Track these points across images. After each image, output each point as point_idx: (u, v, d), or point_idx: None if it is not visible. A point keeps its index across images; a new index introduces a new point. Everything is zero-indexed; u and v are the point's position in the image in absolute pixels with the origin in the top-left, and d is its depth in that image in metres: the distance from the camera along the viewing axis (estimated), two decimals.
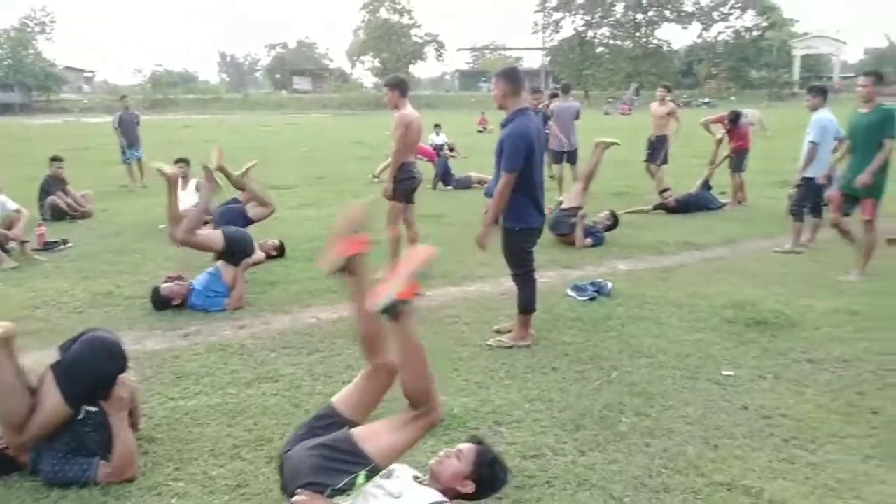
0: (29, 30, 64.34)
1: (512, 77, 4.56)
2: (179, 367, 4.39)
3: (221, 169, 6.77)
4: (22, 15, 70.17)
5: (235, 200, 6.97)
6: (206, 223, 6.66)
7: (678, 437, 3.43)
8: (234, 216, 6.54)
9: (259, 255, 6.13)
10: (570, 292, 5.79)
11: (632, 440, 3.41)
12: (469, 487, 2.66)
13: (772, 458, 3.24)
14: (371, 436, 2.61)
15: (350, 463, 2.51)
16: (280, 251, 7.11)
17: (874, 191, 6.23)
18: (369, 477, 2.52)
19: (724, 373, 4.22)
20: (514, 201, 4.52)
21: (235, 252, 5.65)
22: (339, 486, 2.47)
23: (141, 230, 8.69)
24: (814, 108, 7.41)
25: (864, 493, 2.96)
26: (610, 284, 5.90)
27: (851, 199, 6.42)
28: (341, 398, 2.86)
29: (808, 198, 7.53)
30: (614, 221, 8.16)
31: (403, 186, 6.17)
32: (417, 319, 2.69)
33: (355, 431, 2.63)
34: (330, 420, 2.76)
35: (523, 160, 4.41)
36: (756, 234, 8.32)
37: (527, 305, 4.72)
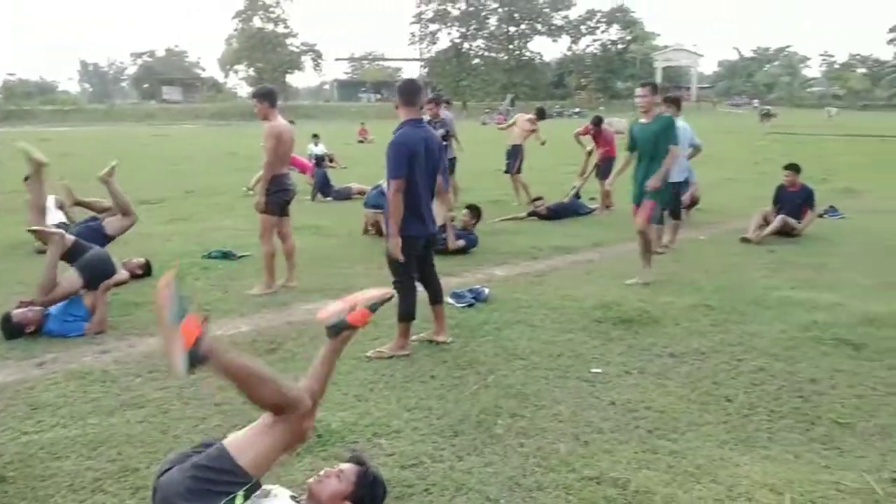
0: None
1: (402, 89, 4.70)
2: (34, 398, 4.07)
3: (80, 203, 6.38)
4: None
5: (93, 219, 6.59)
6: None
7: (551, 436, 3.55)
8: (93, 235, 6.13)
9: (123, 274, 5.80)
10: (448, 299, 5.86)
11: (507, 442, 3.49)
12: None
13: (637, 450, 3.41)
14: (245, 446, 2.47)
15: (227, 483, 2.38)
16: (146, 270, 6.75)
17: (659, 194, 6.40)
18: (248, 495, 2.42)
19: (593, 370, 4.41)
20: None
21: (94, 278, 5.32)
22: None
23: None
24: None
25: (719, 477, 3.16)
26: (487, 290, 6.04)
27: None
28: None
29: (668, 201, 8.00)
30: (477, 215, 8.36)
31: (276, 199, 6.15)
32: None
33: (228, 443, 2.49)
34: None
35: (406, 167, 4.47)
36: (622, 237, 8.75)
37: (406, 313, 4.74)
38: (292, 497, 2.63)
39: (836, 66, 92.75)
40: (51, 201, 8.05)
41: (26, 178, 7.56)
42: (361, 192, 12.50)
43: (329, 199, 12.76)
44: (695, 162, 9.30)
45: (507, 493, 3.03)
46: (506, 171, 11.86)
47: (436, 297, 4.99)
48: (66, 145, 27.80)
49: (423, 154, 4.55)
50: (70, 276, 5.34)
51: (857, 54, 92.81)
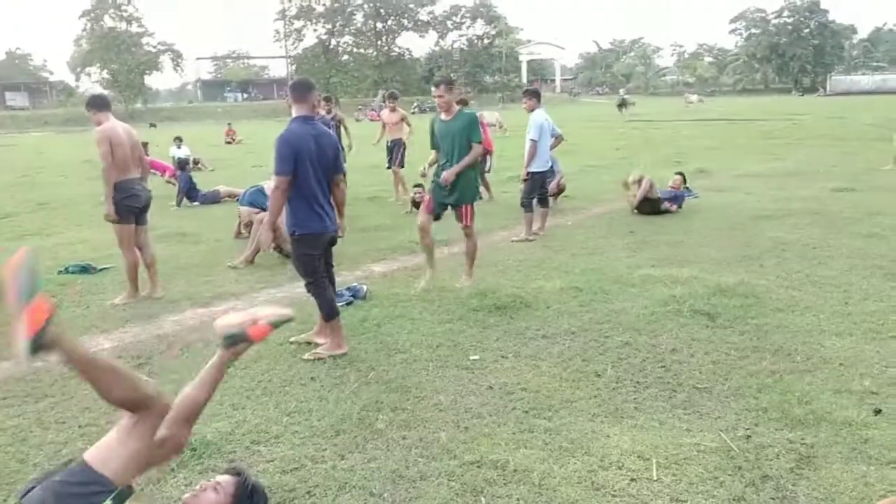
0: None
1: (294, 86, 4.70)
2: None
3: None
4: None
5: None
6: None
7: (432, 426, 3.60)
8: None
9: None
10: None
11: (389, 435, 3.51)
12: None
13: (514, 430, 3.53)
14: (107, 456, 2.31)
15: (91, 494, 2.22)
16: None
17: (469, 196, 6.11)
18: (120, 500, 2.27)
19: (472, 358, 4.51)
20: (293, 207, 4.58)
21: None
22: None
23: None
24: (531, 110, 8.21)
25: (592, 449, 3.33)
26: (365, 287, 6.02)
27: (441, 205, 6.20)
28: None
29: (535, 190, 8.31)
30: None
31: (126, 206, 5.92)
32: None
33: (88, 457, 2.32)
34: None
35: (291, 165, 4.43)
36: (495, 226, 9.00)
37: (328, 312, 4.66)
38: None
39: (686, 56, 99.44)
40: None
41: None
42: (231, 195, 12.11)
43: (196, 203, 12.26)
44: (558, 151, 9.69)
45: (390, 486, 3.05)
46: (388, 167, 11.85)
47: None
48: None
49: (313, 150, 4.48)
50: None
51: (704, 44, 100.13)
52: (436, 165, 6.35)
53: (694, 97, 51.64)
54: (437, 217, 6.26)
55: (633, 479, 3.06)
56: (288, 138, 4.49)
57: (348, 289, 5.97)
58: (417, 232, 6.34)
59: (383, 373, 4.32)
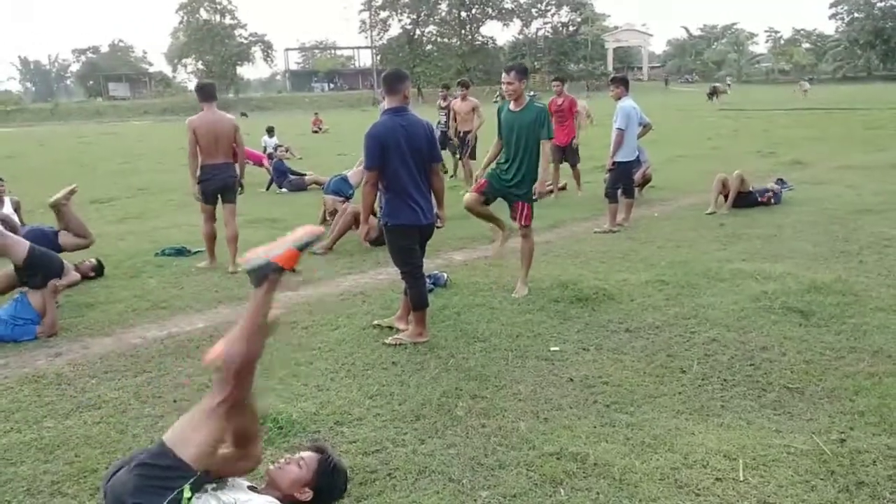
0: None
1: (386, 77, 4.69)
2: None
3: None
4: None
5: (52, 230, 6.50)
6: None
7: (511, 415, 3.60)
8: (43, 239, 5.99)
9: (74, 276, 5.67)
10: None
11: (468, 423, 3.52)
12: (307, 495, 2.65)
13: (595, 424, 3.48)
14: (183, 439, 2.40)
15: (172, 478, 2.34)
16: (98, 271, 6.61)
17: (528, 193, 5.62)
18: (195, 488, 2.38)
19: (552, 349, 4.47)
20: (386, 199, 4.66)
21: (36, 272, 5.19)
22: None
23: None
24: (618, 98, 8.03)
25: (676, 446, 3.25)
26: (446, 275, 6.06)
27: (498, 192, 5.73)
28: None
29: (620, 180, 8.15)
30: None
31: (205, 188, 6.66)
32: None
33: (168, 438, 2.42)
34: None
35: (379, 158, 4.47)
36: (578, 217, 8.87)
37: (418, 302, 4.70)
38: (250, 487, 2.62)
39: (782, 42, 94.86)
40: (7, 201, 7.82)
41: None
42: (317, 183, 12.41)
43: (283, 190, 12.63)
44: (646, 140, 9.46)
45: (469, 472, 3.07)
46: (458, 157, 11.88)
47: None
48: (10, 146, 26.98)
49: (402, 142, 4.49)
50: (21, 242, 5.25)
51: (802, 29, 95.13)
52: (494, 163, 5.84)
53: (807, 84, 47.15)
54: (486, 202, 5.80)
55: (718, 479, 2.97)
56: (375, 133, 4.50)
57: (429, 276, 6.00)
58: (468, 210, 5.90)
59: (463, 360, 4.34)
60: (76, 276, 5.77)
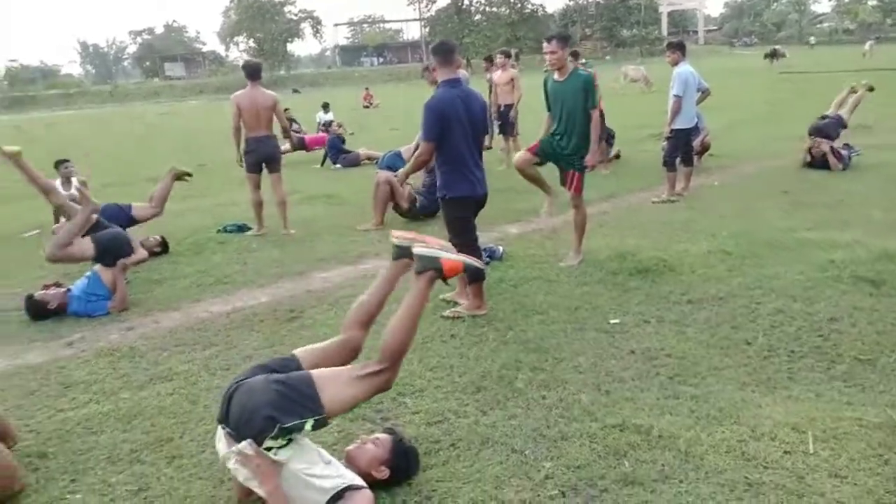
0: None
1: (437, 49, 4.66)
2: (66, 376, 4.17)
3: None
4: None
5: (128, 206, 6.83)
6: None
7: (572, 387, 3.60)
8: (118, 214, 6.31)
9: (142, 253, 5.87)
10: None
11: (529, 395, 3.54)
12: (384, 473, 2.76)
13: (658, 396, 3.45)
14: (329, 383, 2.58)
15: (303, 407, 2.49)
16: (163, 247, 6.84)
17: (581, 165, 5.53)
18: (316, 426, 2.52)
19: (612, 321, 4.44)
20: (443, 171, 4.66)
21: (107, 253, 5.40)
22: (288, 425, 2.45)
23: (4, 239, 8.12)
24: (674, 63, 7.81)
25: (742, 418, 3.20)
26: (501, 248, 6.05)
27: (551, 156, 5.62)
28: (304, 352, 2.84)
29: (679, 148, 7.96)
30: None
31: (249, 158, 7.26)
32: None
33: (315, 374, 2.61)
34: (290, 367, 2.73)
35: (437, 132, 4.48)
36: (635, 187, 8.72)
37: (473, 274, 4.70)
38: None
39: (846, 0, 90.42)
40: (76, 183, 8.12)
41: (59, 163, 7.76)
42: (370, 158, 12.48)
43: (337, 166, 12.74)
44: (704, 107, 9.19)
45: (531, 444, 3.09)
46: (499, 132, 11.15)
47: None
48: (74, 128, 27.89)
49: (462, 114, 4.49)
50: (83, 243, 5.47)
51: None
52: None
53: (868, 45, 44.02)
54: (539, 163, 5.65)
55: (787, 452, 2.92)
56: (434, 106, 4.49)
57: (485, 249, 5.99)
58: (517, 171, 5.76)
59: (521, 333, 4.34)
60: (144, 253, 5.97)
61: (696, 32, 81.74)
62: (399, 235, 3.02)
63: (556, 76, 5.47)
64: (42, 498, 2.96)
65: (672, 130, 7.86)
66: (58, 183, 8.26)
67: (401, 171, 5.17)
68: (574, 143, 5.45)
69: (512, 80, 10.73)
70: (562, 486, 2.79)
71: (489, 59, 11.75)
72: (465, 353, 4.09)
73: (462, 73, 10.28)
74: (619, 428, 3.17)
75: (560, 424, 3.24)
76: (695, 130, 8.55)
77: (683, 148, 8.05)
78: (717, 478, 2.77)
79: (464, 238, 4.71)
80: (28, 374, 4.26)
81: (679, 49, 7.93)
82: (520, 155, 5.80)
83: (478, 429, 3.23)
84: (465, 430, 3.23)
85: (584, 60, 13.52)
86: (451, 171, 4.60)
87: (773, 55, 39.11)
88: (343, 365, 2.80)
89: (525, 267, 5.65)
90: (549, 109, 5.65)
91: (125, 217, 6.56)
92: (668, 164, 7.95)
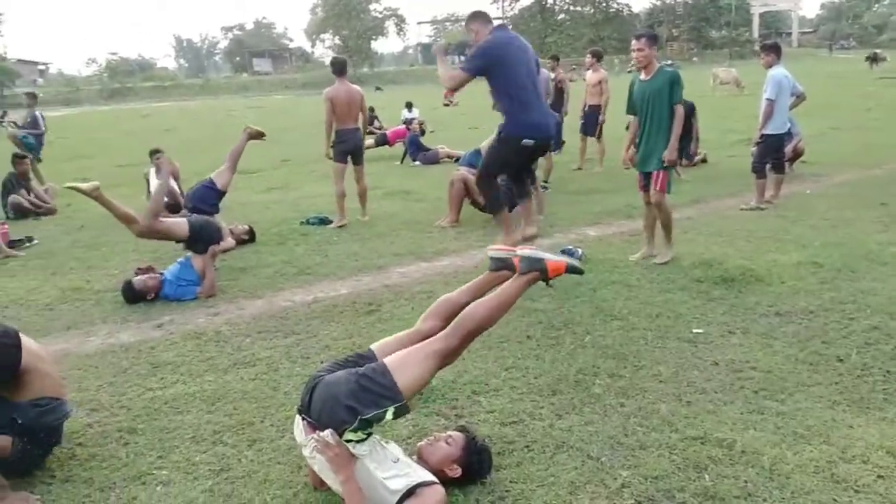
0: None
1: (475, 16, 4.93)
2: (156, 357, 4.37)
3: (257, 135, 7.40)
4: None
5: (209, 180, 6.94)
6: (176, 212, 6.78)
7: (651, 396, 3.51)
8: (207, 193, 6.56)
9: (230, 241, 6.09)
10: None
11: (607, 401, 3.48)
12: (456, 472, 2.75)
13: (742, 410, 3.33)
14: (401, 366, 2.63)
15: (382, 396, 2.55)
16: (251, 236, 7.08)
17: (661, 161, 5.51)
18: (397, 414, 2.57)
19: (694, 330, 4.31)
20: (506, 107, 4.76)
21: (199, 239, 5.61)
22: (368, 416, 2.51)
23: (105, 224, 8.51)
24: (769, 66, 7.52)
25: (832, 438, 3.05)
26: (580, 250, 5.96)
27: (648, 175, 5.65)
28: (380, 346, 2.90)
29: (769, 154, 7.67)
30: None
31: (338, 149, 7.59)
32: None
33: (388, 361, 2.66)
34: (367, 361, 2.79)
35: (481, 68, 4.63)
36: (722, 192, 8.45)
37: (492, 205, 5.01)
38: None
39: None
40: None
41: (152, 153, 8.24)
42: (449, 156, 12.54)
43: (417, 163, 12.86)
44: (798, 111, 8.83)
45: (608, 451, 3.04)
46: (582, 133, 11.09)
47: (522, 195, 5.04)
48: (167, 119, 29.15)
49: (516, 54, 4.58)
50: (179, 222, 5.70)
51: None
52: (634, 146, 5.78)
53: None
54: (647, 188, 5.73)
55: (881, 476, 2.77)
56: (490, 42, 4.63)
57: (563, 251, 5.94)
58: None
59: (599, 338, 4.27)
60: (232, 242, 6.19)
61: (789, 34, 78.43)
62: (497, 248, 3.10)
63: (642, 76, 5.51)
64: (131, 471, 3.11)
65: (763, 135, 7.58)
66: (151, 171, 8.70)
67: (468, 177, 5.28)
68: (658, 141, 5.44)
69: (601, 81, 10.66)
70: (638, 496, 2.73)
71: (555, 58, 11.56)
72: (542, 355, 4.06)
73: (544, 72, 10.31)
74: (700, 440, 3.08)
75: (638, 433, 3.17)
76: (787, 136, 8.22)
77: (774, 154, 7.75)
78: (803, 499, 2.66)
79: (488, 175, 4.70)
80: (120, 352, 4.48)
81: (774, 51, 7.64)
82: (642, 196, 5.83)
83: (553, 432, 3.20)
84: (540, 432, 3.21)
85: (669, 61, 13.22)
86: (512, 108, 4.61)
87: (874, 59, 37.14)
88: None
89: (604, 270, 5.56)
90: (633, 112, 5.66)
91: (215, 193, 6.79)
92: (758, 170, 7.67)
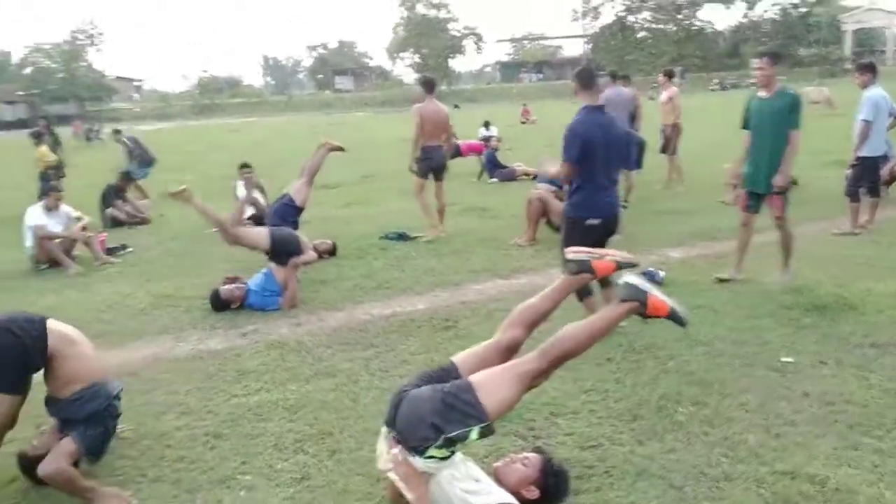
0: (79, 42, 66.55)
1: (579, 75, 4.73)
2: (241, 364, 4.52)
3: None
4: (72, 28, 72.36)
5: (283, 196, 7.00)
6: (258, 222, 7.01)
7: (738, 426, 3.39)
8: (286, 210, 6.69)
9: (312, 255, 6.24)
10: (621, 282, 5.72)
11: (690, 429, 3.38)
12: (534, 493, 2.73)
13: (836, 446, 3.18)
14: (487, 386, 2.56)
15: (467, 415, 2.50)
16: (333, 251, 7.25)
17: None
18: (482, 434, 2.53)
19: (783, 359, 4.14)
20: (575, 190, 4.67)
21: (281, 252, 5.77)
22: (453, 434, 2.48)
23: (196, 234, 8.92)
24: (864, 86, 7.20)
25: None
26: (662, 273, 5.84)
27: (755, 195, 5.65)
28: (462, 359, 2.85)
29: (864, 178, 7.34)
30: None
31: (422, 165, 7.85)
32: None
33: (474, 379, 2.59)
34: (451, 375, 2.76)
35: (577, 152, 4.50)
36: (813, 216, 8.09)
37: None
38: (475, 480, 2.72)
39: None
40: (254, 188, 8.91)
41: (242, 167, 8.62)
42: (526, 174, 12.51)
43: (494, 180, 12.88)
44: None
45: (692, 481, 2.95)
46: (661, 151, 10.93)
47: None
48: (254, 134, 30.21)
49: (600, 142, 4.50)
50: (260, 231, 5.91)
51: None
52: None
53: None
54: (755, 210, 5.72)
55: None
56: (574, 128, 4.53)
57: (644, 273, 5.81)
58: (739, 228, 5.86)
59: (683, 364, 4.16)
60: (314, 255, 6.34)
61: (883, 52, 74.85)
62: (575, 250, 2.98)
63: (762, 93, 5.53)
64: (217, 475, 3.22)
65: (858, 158, 7.25)
66: (240, 185, 9.04)
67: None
68: (774, 163, 5.43)
69: (671, 98, 10.60)
70: None
71: (626, 78, 11.31)
72: (622, 379, 3.98)
73: (625, 90, 10.15)
74: (791, 475, 2.95)
75: (723, 464, 3.07)
76: (883, 159, 7.82)
77: (870, 177, 7.40)
78: None
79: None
80: (208, 358, 4.65)
81: (870, 70, 7.32)
82: (741, 217, 5.80)
83: (633, 458, 3.14)
84: (620, 458, 3.14)
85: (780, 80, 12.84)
86: (581, 193, 4.59)
87: None
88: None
89: (688, 294, 5.40)
90: (744, 127, 5.68)
91: (294, 210, 6.79)
92: (852, 193, 7.33)
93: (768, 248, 6.24)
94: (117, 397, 3.36)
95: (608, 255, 2.93)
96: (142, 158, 13.17)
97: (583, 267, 2.91)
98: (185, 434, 3.61)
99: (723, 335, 4.56)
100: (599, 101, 4.69)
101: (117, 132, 14.84)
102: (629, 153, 4.80)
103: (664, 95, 10.75)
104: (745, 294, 5.35)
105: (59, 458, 3.02)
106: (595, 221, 4.59)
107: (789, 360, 4.14)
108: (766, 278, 5.66)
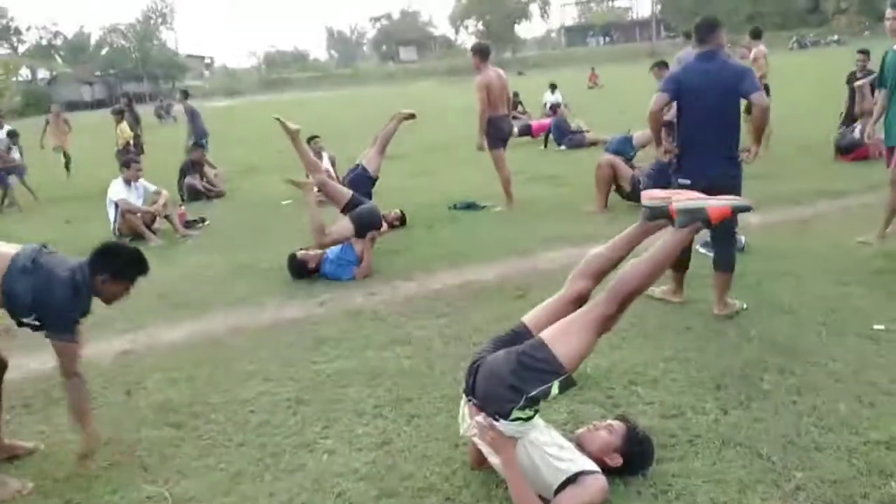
0: (152, 22, 68.55)
1: (697, 28, 4.50)
2: (319, 332, 4.61)
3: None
4: (144, 8, 74.52)
5: (356, 167, 6.92)
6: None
7: (827, 395, 3.27)
8: (361, 181, 6.59)
9: (383, 226, 6.30)
10: (700, 249, 5.53)
11: (777, 398, 3.27)
12: (617, 461, 2.70)
13: None
14: (560, 339, 2.54)
15: (546, 372, 2.48)
16: (402, 221, 7.30)
17: None
18: (563, 388, 2.52)
19: (876, 327, 3.95)
20: (678, 154, 4.43)
21: (362, 228, 5.82)
22: (534, 393, 2.47)
23: (269, 206, 9.14)
24: None
25: None
26: (743, 239, 5.62)
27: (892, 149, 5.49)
28: (531, 317, 2.82)
29: None
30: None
31: (494, 136, 7.54)
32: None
33: (545, 335, 2.58)
34: (523, 337, 2.73)
35: (671, 89, 4.31)
36: None
37: (726, 264, 4.40)
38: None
39: None
40: (325, 158, 8.99)
41: (310, 139, 8.65)
42: (595, 142, 12.26)
43: (562, 147, 12.68)
44: None
45: (780, 451, 2.85)
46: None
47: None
48: (321, 108, 30.58)
49: (701, 89, 4.21)
50: (343, 224, 5.93)
51: None
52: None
53: None
54: None
55: None
56: (677, 71, 4.43)
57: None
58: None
59: (766, 332, 4.02)
60: (384, 226, 6.40)
61: None
62: (651, 196, 2.86)
63: None
64: (300, 439, 3.30)
65: None
66: (324, 156, 9.17)
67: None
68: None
69: (756, 59, 10.33)
70: (815, 499, 2.55)
71: (688, 36, 10.86)
72: (704, 347, 3.88)
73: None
74: (886, 445, 2.83)
75: (813, 433, 2.96)
76: None
77: None
78: None
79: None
80: (288, 326, 4.77)
81: None
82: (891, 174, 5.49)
83: (718, 428, 3.06)
84: (704, 427, 3.07)
85: (836, 37, 12.10)
86: (684, 153, 4.37)
87: None
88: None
89: (769, 260, 5.23)
90: (883, 85, 5.48)
91: (368, 180, 6.67)
92: None
93: (857, 210, 5.96)
94: None
95: (722, 198, 2.78)
96: (194, 131, 13.48)
97: (659, 212, 2.77)
98: (268, 400, 3.72)
99: (808, 302, 4.38)
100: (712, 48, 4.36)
101: (185, 94, 15.11)
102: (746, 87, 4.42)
103: (751, 55, 10.49)
104: (831, 259, 5.13)
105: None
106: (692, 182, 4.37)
107: (881, 327, 3.94)
108: (859, 238, 5.40)
